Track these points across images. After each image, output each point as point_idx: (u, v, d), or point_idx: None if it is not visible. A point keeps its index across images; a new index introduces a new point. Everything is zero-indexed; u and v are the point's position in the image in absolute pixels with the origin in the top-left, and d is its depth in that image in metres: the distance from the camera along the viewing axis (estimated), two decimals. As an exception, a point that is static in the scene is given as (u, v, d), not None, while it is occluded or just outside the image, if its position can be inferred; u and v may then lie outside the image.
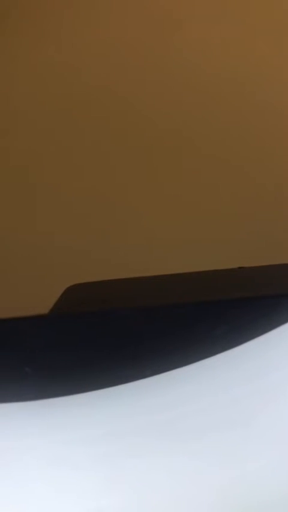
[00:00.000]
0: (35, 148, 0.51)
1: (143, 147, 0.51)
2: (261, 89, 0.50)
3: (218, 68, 0.50)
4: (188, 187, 0.50)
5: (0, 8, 0.51)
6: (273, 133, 0.50)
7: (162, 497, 0.29)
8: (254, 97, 0.50)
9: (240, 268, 0.37)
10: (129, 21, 0.51)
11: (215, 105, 0.50)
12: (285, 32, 0.50)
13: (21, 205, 0.51)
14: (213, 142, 0.50)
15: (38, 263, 0.49)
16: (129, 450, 0.29)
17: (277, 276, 0.35)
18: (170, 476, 0.29)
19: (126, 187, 0.50)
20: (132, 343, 0.29)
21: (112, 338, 0.29)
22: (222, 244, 0.49)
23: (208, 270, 0.37)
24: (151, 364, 0.29)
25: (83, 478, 0.29)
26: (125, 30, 0.51)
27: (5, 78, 0.51)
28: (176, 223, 0.50)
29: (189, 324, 0.29)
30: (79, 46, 0.51)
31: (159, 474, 0.29)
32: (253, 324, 0.29)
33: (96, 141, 0.51)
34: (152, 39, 0.51)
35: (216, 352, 0.29)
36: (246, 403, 0.29)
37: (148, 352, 0.29)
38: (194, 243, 0.49)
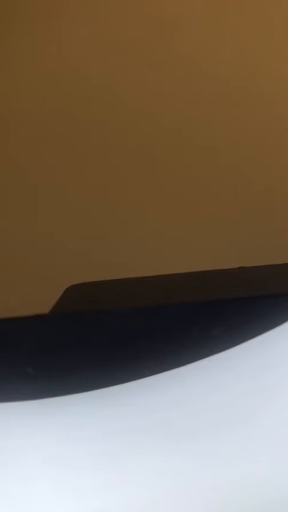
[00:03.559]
0: (35, 148, 0.51)
1: (143, 147, 0.51)
2: (262, 89, 0.50)
3: (219, 68, 0.50)
4: (189, 187, 0.50)
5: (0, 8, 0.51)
6: (274, 133, 0.50)
7: (163, 496, 0.29)
8: (254, 98, 0.50)
9: (240, 268, 0.37)
10: (130, 21, 0.51)
11: (216, 104, 0.50)
12: (285, 32, 0.50)
13: (21, 206, 0.51)
14: (214, 142, 0.50)
15: (39, 263, 0.49)
16: (130, 450, 0.29)
17: (277, 276, 0.35)
18: (171, 476, 0.29)
19: (127, 187, 0.51)
20: (132, 343, 0.29)
21: (112, 338, 0.29)
22: (223, 244, 0.49)
23: (208, 270, 0.37)
24: (151, 363, 0.29)
25: (83, 478, 0.29)
26: (125, 30, 0.51)
27: (5, 78, 0.51)
28: (177, 223, 0.50)
29: (189, 324, 0.29)
30: (79, 46, 0.51)
31: (160, 474, 0.29)
32: (252, 324, 0.29)
33: (97, 141, 0.51)
34: (153, 38, 0.51)
35: (216, 351, 0.29)
36: (245, 403, 0.29)
37: (148, 351, 0.29)
38: (194, 242, 0.49)
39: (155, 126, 0.51)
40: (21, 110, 0.51)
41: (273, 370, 0.29)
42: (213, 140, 0.50)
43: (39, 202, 0.51)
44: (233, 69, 0.50)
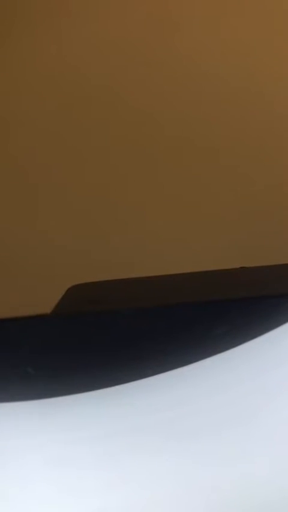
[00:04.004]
0: (36, 148, 0.51)
1: (143, 147, 0.51)
2: (262, 89, 0.50)
3: (219, 68, 0.50)
4: (190, 187, 0.50)
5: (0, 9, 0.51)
6: (274, 133, 0.50)
7: (164, 496, 0.29)
8: (254, 98, 0.50)
9: (242, 268, 0.37)
10: (130, 21, 0.51)
11: (216, 104, 0.50)
12: (285, 32, 0.50)
13: (21, 206, 0.51)
14: (214, 142, 0.50)
15: (40, 263, 0.49)
16: (131, 450, 0.29)
17: (279, 276, 0.35)
18: (172, 476, 0.29)
19: (127, 187, 0.51)
20: (134, 343, 0.29)
21: (114, 338, 0.29)
22: (223, 244, 0.49)
23: (210, 270, 0.37)
24: (152, 363, 0.29)
25: (85, 478, 0.29)
26: (125, 30, 0.51)
27: (5, 78, 0.51)
28: (178, 223, 0.50)
29: (191, 324, 0.29)
30: (79, 46, 0.51)
31: (162, 474, 0.29)
32: (255, 324, 0.29)
33: (97, 141, 0.51)
34: (153, 38, 0.51)
35: (218, 351, 0.29)
36: (246, 403, 0.29)
37: (149, 352, 0.29)
38: (195, 243, 0.49)
39: (155, 126, 0.51)
40: (21, 110, 0.51)
41: (275, 370, 0.29)
42: (213, 140, 0.50)
43: (39, 202, 0.51)
44: (233, 69, 0.50)
